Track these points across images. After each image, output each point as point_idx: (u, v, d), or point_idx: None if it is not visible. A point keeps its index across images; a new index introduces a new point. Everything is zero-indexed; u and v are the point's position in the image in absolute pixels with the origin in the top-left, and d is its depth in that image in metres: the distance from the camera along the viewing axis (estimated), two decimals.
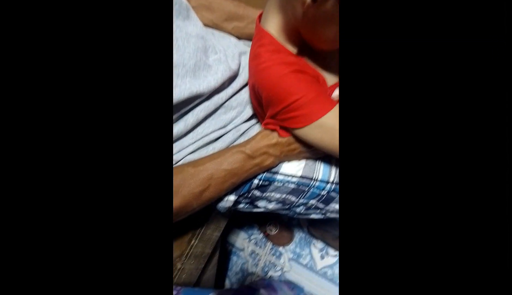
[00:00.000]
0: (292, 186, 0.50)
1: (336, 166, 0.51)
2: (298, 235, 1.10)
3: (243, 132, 0.51)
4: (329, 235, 0.99)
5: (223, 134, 0.49)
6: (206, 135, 0.47)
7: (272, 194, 0.52)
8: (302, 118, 0.39)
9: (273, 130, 0.45)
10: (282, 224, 1.10)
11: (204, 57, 0.44)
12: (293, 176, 0.49)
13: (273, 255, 1.10)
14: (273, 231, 1.08)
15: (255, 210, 0.57)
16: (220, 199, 0.49)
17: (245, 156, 0.44)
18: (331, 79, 0.46)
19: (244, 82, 0.50)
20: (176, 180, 0.42)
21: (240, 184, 0.48)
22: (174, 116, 0.43)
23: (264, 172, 0.49)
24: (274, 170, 0.49)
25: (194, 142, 0.47)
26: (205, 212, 0.63)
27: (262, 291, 0.63)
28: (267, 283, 0.70)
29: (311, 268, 1.04)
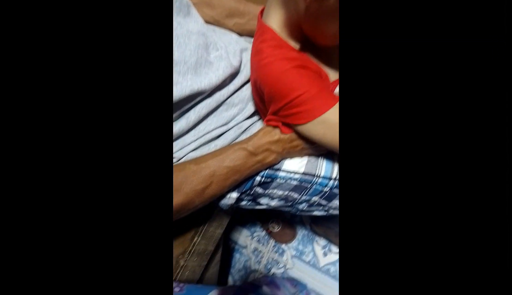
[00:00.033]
0: (295, 182, 0.50)
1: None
2: (301, 232, 1.10)
3: (245, 130, 0.51)
4: (332, 232, 0.98)
5: (225, 132, 0.49)
6: (208, 132, 0.47)
7: (275, 191, 0.52)
8: (305, 114, 0.39)
9: (275, 126, 0.45)
10: (285, 221, 1.10)
11: (206, 54, 0.44)
12: (295, 173, 0.49)
13: (276, 252, 1.10)
14: (276, 229, 1.08)
15: (258, 207, 0.57)
16: (223, 196, 0.49)
17: (247, 153, 0.44)
18: (333, 74, 0.46)
19: (246, 79, 0.50)
20: (178, 177, 0.42)
21: (242, 181, 0.48)
22: (176, 114, 0.43)
23: (266, 169, 0.49)
24: (276, 166, 0.49)
25: (196, 139, 0.47)
26: (207, 209, 0.63)
27: (264, 288, 0.63)
28: (270, 280, 0.71)
29: (314, 265, 1.04)
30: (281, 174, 0.49)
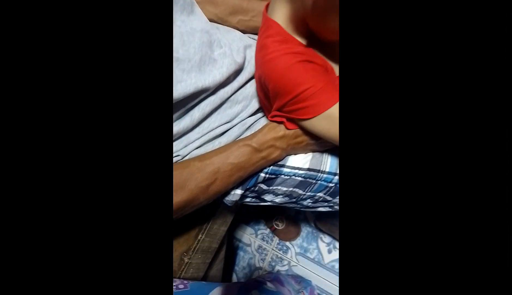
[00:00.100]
0: (299, 178, 0.50)
1: None
2: (305, 230, 1.10)
3: (249, 126, 0.51)
4: (337, 229, 0.98)
5: (229, 129, 0.49)
6: (212, 130, 0.47)
7: (279, 187, 0.52)
8: (310, 109, 0.39)
9: (280, 123, 0.45)
10: (289, 219, 1.10)
11: (209, 51, 0.44)
12: (300, 169, 0.49)
13: (280, 249, 1.10)
14: (280, 226, 1.08)
15: (262, 203, 0.57)
16: (227, 193, 0.49)
17: (251, 149, 0.44)
18: (338, 69, 0.46)
19: (250, 76, 0.50)
20: (183, 174, 0.42)
21: (246, 178, 0.48)
22: (180, 111, 0.43)
23: (270, 165, 0.49)
24: (280, 163, 0.49)
25: (200, 137, 0.47)
26: (211, 207, 0.63)
27: (269, 284, 0.63)
28: (274, 276, 0.71)
29: (318, 262, 1.04)
30: (286, 170, 0.49)
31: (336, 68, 0.45)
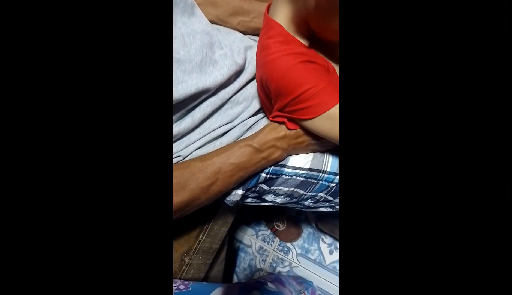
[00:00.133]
0: (300, 178, 0.50)
1: None
2: (306, 231, 1.10)
3: (250, 127, 0.51)
4: (338, 230, 0.98)
5: (230, 129, 0.49)
6: (213, 130, 0.47)
7: (280, 187, 0.52)
8: (312, 109, 0.39)
9: (281, 123, 0.45)
10: (290, 219, 1.10)
11: (210, 52, 0.44)
12: (301, 169, 0.49)
13: (281, 250, 1.10)
14: (281, 227, 1.08)
15: (263, 204, 0.57)
16: (228, 193, 0.49)
17: (252, 149, 0.44)
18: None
19: (251, 77, 0.50)
20: (184, 174, 0.42)
21: (247, 178, 0.48)
22: (181, 112, 0.43)
23: (271, 165, 0.49)
24: (282, 163, 0.49)
25: (201, 137, 0.47)
26: (212, 207, 0.63)
27: (270, 285, 0.63)
28: (275, 277, 0.71)
29: (320, 263, 1.04)
30: (287, 170, 0.49)
31: (337, 68, 0.45)
